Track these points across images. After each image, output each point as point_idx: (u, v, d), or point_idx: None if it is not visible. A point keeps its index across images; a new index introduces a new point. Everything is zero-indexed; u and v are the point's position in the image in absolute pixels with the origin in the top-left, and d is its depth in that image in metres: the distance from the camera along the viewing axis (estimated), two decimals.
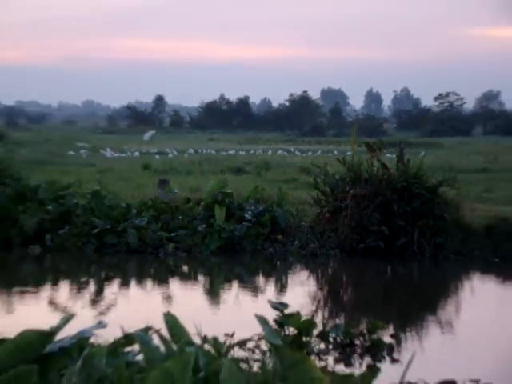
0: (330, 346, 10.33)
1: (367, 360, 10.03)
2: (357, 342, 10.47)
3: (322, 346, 10.27)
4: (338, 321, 11.65)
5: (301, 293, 15.42)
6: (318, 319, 11.27)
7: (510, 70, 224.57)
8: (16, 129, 74.33)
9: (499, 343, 12.02)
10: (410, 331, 13.14)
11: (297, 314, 9.58)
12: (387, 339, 10.96)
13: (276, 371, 4.19)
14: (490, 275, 17.71)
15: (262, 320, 6.78)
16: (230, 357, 6.09)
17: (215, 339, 6.08)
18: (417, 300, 15.90)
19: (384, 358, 10.15)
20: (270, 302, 9.67)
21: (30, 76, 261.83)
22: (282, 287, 16.51)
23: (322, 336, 10.26)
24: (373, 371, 4.89)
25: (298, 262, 18.44)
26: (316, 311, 13.50)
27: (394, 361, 10.02)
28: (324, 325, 10.78)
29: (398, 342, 11.48)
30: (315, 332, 10.05)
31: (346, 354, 10.21)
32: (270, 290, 16.10)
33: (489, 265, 17.95)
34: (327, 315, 13.61)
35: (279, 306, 9.58)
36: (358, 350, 10.37)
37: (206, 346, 5.46)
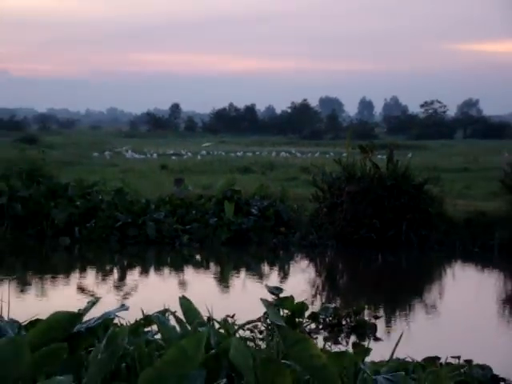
0: (320, 326, 10.59)
1: (353, 339, 10.29)
2: (344, 322, 10.78)
3: (313, 326, 10.50)
4: (332, 304, 11.69)
5: (301, 279, 15.73)
6: (316, 302, 11.67)
7: (488, 81, 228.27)
8: (48, 133, 73.75)
9: (477, 323, 12.25)
10: (395, 313, 13.42)
11: (290, 298, 9.49)
12: (379, 320, 11.23)
13: (279, 349, 4.26)
14: (470, 263, 17.95)
15: (267, 303, 6.86)
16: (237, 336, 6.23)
17: (225, 320, 6.24)
18: (403, 285, 16.23)
19: (368, 336, 10.35)
20: (266, 286, 9.66)
21: (60, 86, 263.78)
22: (284, 274, 16.79)
23: (313, 317, 10.51)
24: (365, 350, 4.98)
25: (298, 251, 18.76)
26: (315, 295, 13.82)
27: (376, 339, 10.30)
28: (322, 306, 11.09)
29: (387, 322, 11.87)
30: (307, 313, 10.12)
31: (334, 333, 10.45)
32: (273, 277, 16.37)
33: (468, 254, 18.29)
34: (322, 298, 13.89)
35: (275, 291, 9.55)
36: (345, 330, 10.67)
37: (217, 327, 5.47)
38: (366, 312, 11.24)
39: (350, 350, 5.66)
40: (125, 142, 58.05)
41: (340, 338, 10.42)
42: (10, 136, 56.08)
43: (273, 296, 9.53)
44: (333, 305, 11.21)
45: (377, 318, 11.23)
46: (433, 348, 6.14)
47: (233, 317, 8.47)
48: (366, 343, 9.40)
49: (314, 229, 19.46)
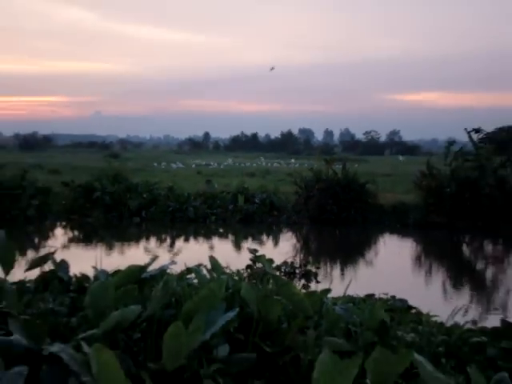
0: (282, 274, 10.31)
1: (302, 282, 10.09)
2: (297, 271, 10.60)
3: (277, 273, 10.33)
4: (293, 259, 11.13)
5: (286, 244, 15.71)
6: (295, 258, 11.11)
7: (406, 118, 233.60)
8: (125, 151, 74.27)
9: (398, 272, 12.38)
10: (337, 265, 13.48)
11: (263, 256, 8.77)
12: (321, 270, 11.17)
13: (273, 289, 4.15)
14: (394, 234, 17.86)
15: (265, 260, 6.76)
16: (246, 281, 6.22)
17: (238, 271, 6.23)
18: (350, 248, 16.20)
19: (311, 280, 10.25)
20: (248, 248, 8.98)
21: (133, 120, 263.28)
22: (275, 241, 16.70)
23: (277, 268, 10.21)
24: (327, 290, 4.97)
25: (285, 227, 18.68)
26: (295, 254, 13.64)
27: (317, 282, 10.13)
28: (283, 261, 10.65)
29: (329, 270, 11.89)
30: (273, 266, 9.92)
31: (290, 278, 10.20)
32: (269, 243, 16.33)
33: (393, 228, 18.28)
34: (299, 255, 13.69)
35: (253, 251, 8.93)
36: (298, 276, 10.48)
37: (233, 275, 5.49)
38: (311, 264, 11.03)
39: (303, 290, 5.59)
40: (174, 157, 58.00)
41: (294, 282, 10.25)
42: (102, 153, 56.27)
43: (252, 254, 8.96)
44: (290, 260, 10.86)
45: (318, 268, 10.99)
46: (369, 288, 6.18)
47: (227, 267, 8.27)
48: (311, 285, 9.52)
49: (295, 213, 19.50)
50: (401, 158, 60.54)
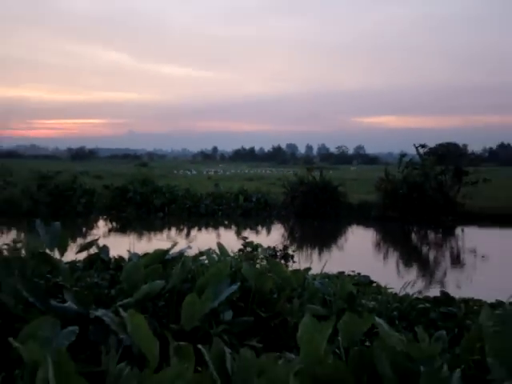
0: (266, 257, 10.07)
1: (282, 262, 9.83)
2: (277, 254, 10.21)
3: (262, 256, 9.99)
4: (282, 245, 10.66)
5: (276, 233, 15.64)
6: (276, 244, 10.56)
7: (368, 135, 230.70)
8: (152, 161, 73.81)
9: (362, 254, 12.35)
10: (315, 249, 13.42)
11: (251, 242, 8.78)
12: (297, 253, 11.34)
13: (266, 267, 4.12)
14: (359, 226, 17.78)
15: (253, 245, 6.73)
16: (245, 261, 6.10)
17: (239, 254, 6.20)
18: (325, 236, 16.09)
19: (289, 261, 9.91)
20: (241, 237, 8.75)
21: (152, 137, 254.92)
22: (268, 230, 16.66)
23: (262, 252, 9.92)
24: (308, 268, 4.94)
25: (275, 220, 18.61)
26: (282, 241, 13.46)
27: (294, 262, 9.74)
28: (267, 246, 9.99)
29: (305, 253, 11.73)
30: (260, 250, 9.57)
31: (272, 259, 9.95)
32: (263, 232, 16.24)
33: (359, 221, 18.14)
34: (285, 242, 13.36)
35: (244, 239, 8.79)
36: (278, 258, 10.02)
37: (235, 256, 5.60)
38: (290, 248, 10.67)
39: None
40: (190, 166, 57.79)
41: None
42: (133, 163, 55.95)
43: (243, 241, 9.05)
44: (274, 245, 10.32)
45: (294, 251, 10.64)
46: (340, 267, 6.15)
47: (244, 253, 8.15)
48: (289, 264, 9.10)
49: (283, 209, 19.41)
50: (352, 168, 58.43)
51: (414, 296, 4.41)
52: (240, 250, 8.29)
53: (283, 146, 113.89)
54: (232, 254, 5.81)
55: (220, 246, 4.55)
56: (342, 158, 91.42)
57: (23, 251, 3.46)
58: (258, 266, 4.75)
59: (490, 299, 3.59)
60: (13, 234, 13.96)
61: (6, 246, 3.58)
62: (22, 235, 12.69)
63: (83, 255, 4.26)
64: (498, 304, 3.54)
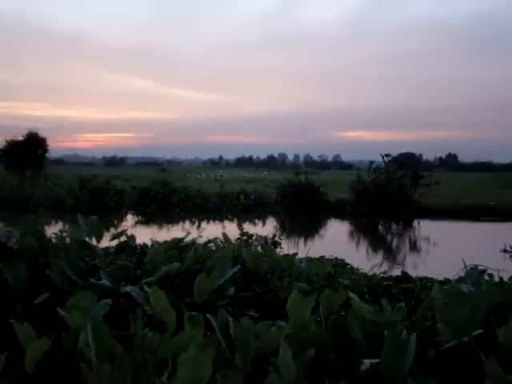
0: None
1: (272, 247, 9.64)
2: (269, 241, 9.87)
3: (257, 243, 9.57)
4: (272, 234, 10.48)
5: (270, 226, 15.54)
6: (267, 234, 10.22)
7: (343, 146, 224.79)
8: (170, 167, 71.54)
9: (339, 242, 12.26)
10: (301, 238, 13.28)
11: (246, 231, 8.32)
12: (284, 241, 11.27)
13: (262, 252, 3.97)
14: (337, 219, 17.71)
15: (248, 234, 6.66)
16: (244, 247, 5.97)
17: (240, 242, 6.15)
18: (309, 228, 15.96)
19: (278, 247, 9.57)
20: (239, 227, 8.42)
21: (176, 147, 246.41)
22: (263, 223, 16.59)
23: (256, 240, 9.53)
24: (295, 253, 4.87)
25: (270, 215, 18.51)
26: (275, 231, 13.32)
27: (281, 248, 9.36)
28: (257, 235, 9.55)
29: (289, 242, 11.72)
30: (254, 238, 8.56)
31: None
32: (259, 224, 16.15)
33: (336, 216, 18.04)
34: (275, 232, 13.31)
35: (241, 229, 8.48)
36: (269, 245, 9.55)
37: (237, 243, 5.12)
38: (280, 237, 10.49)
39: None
40: (200, 171, 57.65)
41: None
42: (155, 168, 55.26)
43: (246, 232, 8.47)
44: (264, 235, 9.66)
45: (281, 239, 10.36)
46: (321, 252, 6.11)
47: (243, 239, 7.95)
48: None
49: (276, 206, 19.32)
50: (325, 174, 56.93)
51: (380, 275, 4.41)
52: (238, 239, 8.18)
53: (276, 155, 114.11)
54: (234, 242, 5.78)
55: (225, 235, 4.50)
56: (323, 165, 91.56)
57: (68, 239, 3.45)
58: (253, 250, 4.68)
59: (440, 277, 3.61)
60: (60, 226, 13.93)
61: (54, 235, 3.58)
62: (67, 226, 12.65)
63: (115, 242, 4.21)
64: (446, 281, 3.55)
